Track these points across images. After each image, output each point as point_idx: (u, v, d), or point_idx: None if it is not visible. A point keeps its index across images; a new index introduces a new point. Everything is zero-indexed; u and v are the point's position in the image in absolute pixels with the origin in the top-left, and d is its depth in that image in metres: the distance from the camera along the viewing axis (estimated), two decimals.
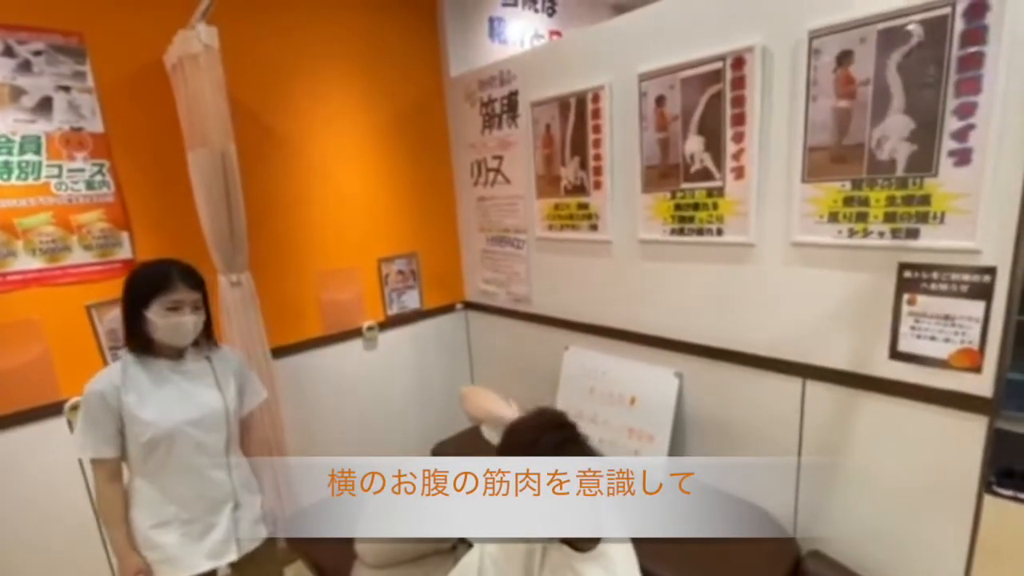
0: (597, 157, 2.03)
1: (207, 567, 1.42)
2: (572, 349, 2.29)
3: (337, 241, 2.36)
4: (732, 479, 1.79)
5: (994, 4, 1.15)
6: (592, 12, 3.40)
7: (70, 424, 1.79)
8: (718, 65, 1.63)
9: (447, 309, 2.81)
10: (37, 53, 1.65)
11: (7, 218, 1.64)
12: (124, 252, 1.85)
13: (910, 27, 1.26)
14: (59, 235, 1.73)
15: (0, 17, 1.59)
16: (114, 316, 1.84)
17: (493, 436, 1.68)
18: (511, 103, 2.34)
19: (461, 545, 1.49)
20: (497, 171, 2.49)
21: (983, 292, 1.27)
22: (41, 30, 1.65)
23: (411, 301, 2.65)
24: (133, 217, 1.86)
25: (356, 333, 2.46)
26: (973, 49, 1.19)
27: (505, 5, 2.91)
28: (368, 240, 2.46)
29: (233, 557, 1.46)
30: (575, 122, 2.08)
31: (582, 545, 1.07)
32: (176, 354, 1.41)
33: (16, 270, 1.67)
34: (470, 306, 2.85)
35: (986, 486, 1.37)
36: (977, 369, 1.30)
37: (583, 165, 2.09)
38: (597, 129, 2.01)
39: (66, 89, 1.71)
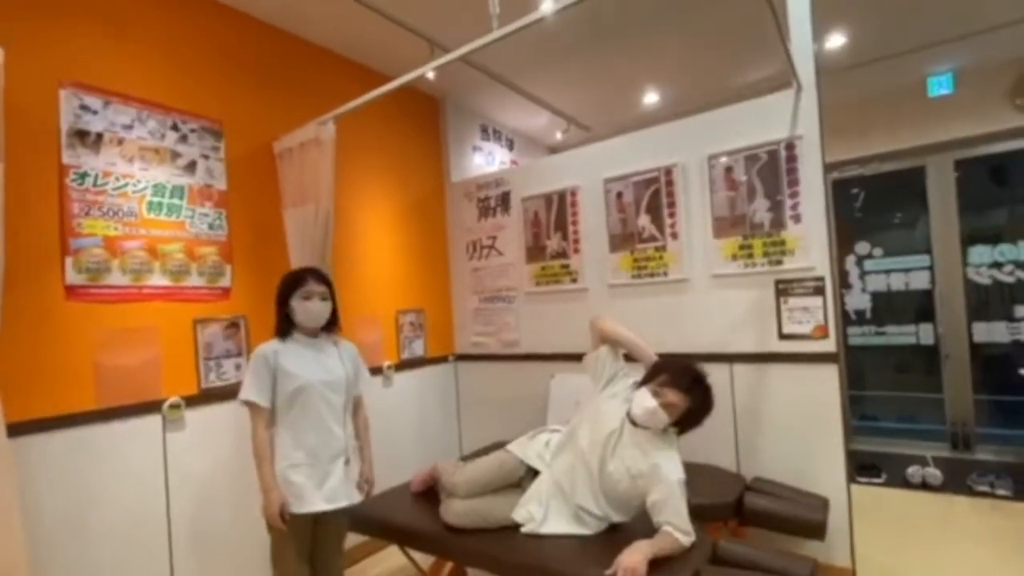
0: (575, 232, 2.93)
1: (323, 508, 1.78)
2: (558, 376, 2.95)
3: (370, 292, 2.92)
4: (690, 450, 2.48)
5: (799, 144, 2.28)
6: (534, 150, 4.60)
7: (164, 420, 2.06)
8: (656, 173, 2.65)
9: (442, 360, 3.36)
10: (193, 130, 2.24)
11: (153, 243, 2.08)
12: (225, 281, 2.30)
13: (761, 153, 2.37)
14: (185, 261, 2.17)
15: (177, 105, 2.19)
16: (211, 332, 2.23)
17: (604, 357, 2.00)
18: (504, 199, 3.23)
19: (526, 478, 1.98)
20: (491, 247, 3.28)
21: (820, 291, 2.24)
22: (199, 116, 2.26)
23: (418, 349, 3.18)
24: (235, 254, 2.34)
25: (377, 371, 2.92)
26: (793, 164, 2.29)
27: (482, 139, 3.96)
28: (390, 294, 3.05)
29: (344, 503, 1.82)
30: (557, 209, 3.00)
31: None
32: (312, 334, 1.89)
33: (151, 284, 2.06)
34: (461, 358, 3.43)
35: (851, 479, 2.19)
36: (826, 336, 2.23)
37: (564, 237, 2.97)
38: (575, 214, 2.93)
39: (206, 157, 2.28)
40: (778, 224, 2.33)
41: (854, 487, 2.14)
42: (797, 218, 2.29)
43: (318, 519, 1.82)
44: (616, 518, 1.83)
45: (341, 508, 1.83)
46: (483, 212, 3.34)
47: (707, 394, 1.79)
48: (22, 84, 1.75)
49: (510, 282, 3.20)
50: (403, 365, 3.08)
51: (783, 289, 2.33)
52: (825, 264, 2.23)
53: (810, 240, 2.25)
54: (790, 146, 2.30)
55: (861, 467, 3.43)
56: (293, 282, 1.86)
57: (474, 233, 3.39)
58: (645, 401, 1.74)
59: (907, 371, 4.11)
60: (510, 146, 4.30)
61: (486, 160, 4.03)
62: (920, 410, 4.22)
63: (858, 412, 4.49)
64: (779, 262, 2.33)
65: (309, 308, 1.85)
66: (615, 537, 1.75)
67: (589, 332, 2.07)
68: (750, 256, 2.40)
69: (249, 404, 1.75)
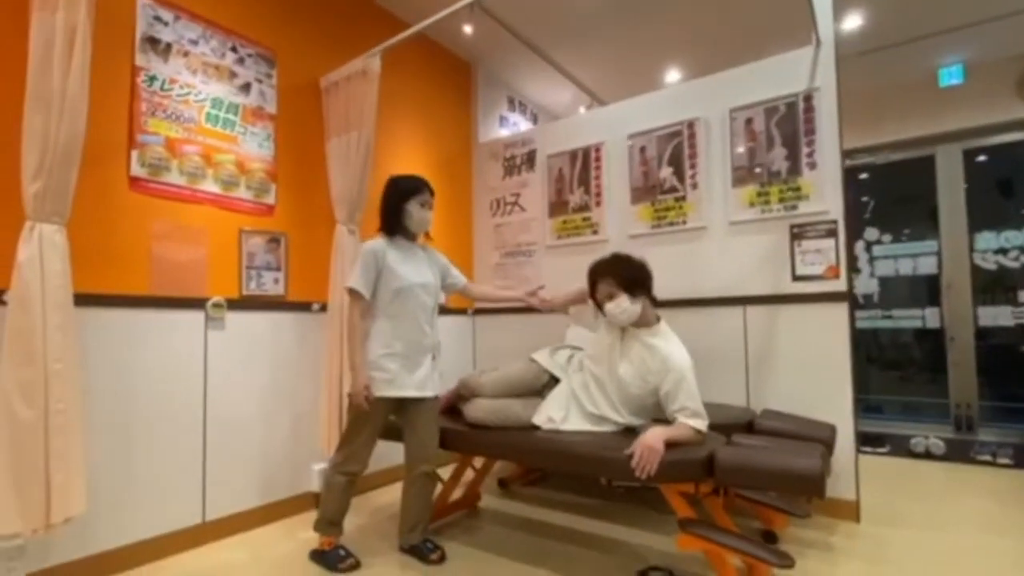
0: (598, 186, 3.06)
1: (413, 394, 1.92)
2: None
3: None
4: (701, 391, 2.57)
5: (815, 95, 2.41)
6: None
7: (207, 317, 2.17)
8: (679, 127, 2.79)
9: (462, 311, 3.47)
10: (249, 55, 2.40)
11: (208, 152, 2.21)
12: (270, 198, 2.43)
13: (780, 105, 2.50)
14: (235, 173, 2.30)
15: (236, 28, 2.35)
16: (255, 243, 2.36)
17: (575, 312, 2.24)
18: (530, 157, 3.37)
19: (548, 386, 2.07)
20: (515, 203, 3.41)
21: (833, 233, 2.35)
22: (255, 42, 2.42)
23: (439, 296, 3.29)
24: (280, 175, 2.48)
25: None
26: (810, 114, 2.42)
27: (509, 110, 4.12)
28: None
29: (430, 393, 1.97)
30: (581, 165, 3.13)
31: (647, 323, 1.83)
32: (412, 239, 2.03)
33: (204, 189, 2.20)
34: (479, 311, 3.53)
35: (857, 450, 2.28)
36: (837, 276, 2.33)
37: (587, 191, 3.09)
38: (598, 168, 3.07)
39: (260, 81, 2.43)
40: (794, 171, 2.45)
41: (860, 458, 2.23)
42: (812, 165, 2.41)
43: (406, 407, 1.95)
44: (633, 421, 1.92)
45: (427, 396, 1.97)
46: (508, 170, 3.48)
47: (614, 258, 1.92)
48: None
49: (531, 237, 3.32)
50: None
51: (797, 233, 2.44)
52: (839, 207, 2.34)
53: (824, 185, 2.37)
54: (808, 97, 2.43)
55: (866, 439, 3.49)
56: (414, 188, 1.99)
57: (498, 191, 3.52)
58: (608, 312, 1.86)
59: (913, 354, 4.19)
60: (534, 120, 4.46)
61: (511, 132, 4.18)
62: (924, 394, 4.28)
63: (862, 404, 4.55)
64: (794, 207, 2.45)
65: (425, 216, 2.01)
66: (633, 434, 1.83)
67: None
68: (767, 203, 2.52)
69: (353, 292, 1.89)
